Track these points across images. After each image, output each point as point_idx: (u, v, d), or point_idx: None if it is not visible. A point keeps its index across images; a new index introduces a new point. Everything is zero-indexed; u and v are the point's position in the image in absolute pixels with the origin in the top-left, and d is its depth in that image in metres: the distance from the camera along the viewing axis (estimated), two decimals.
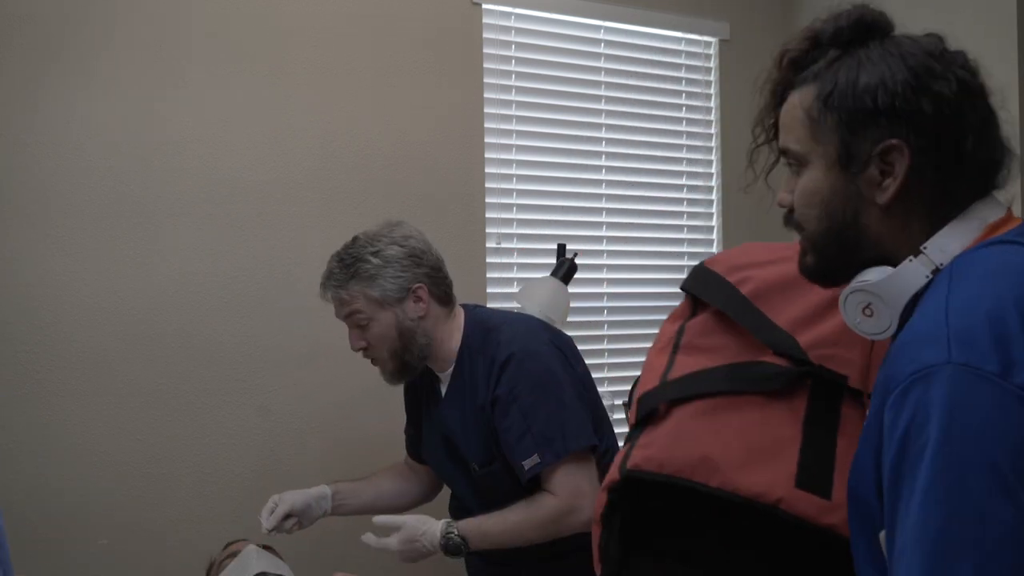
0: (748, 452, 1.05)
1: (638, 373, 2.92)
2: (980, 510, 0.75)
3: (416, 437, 2.07)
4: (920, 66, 0.93)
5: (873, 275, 0.95)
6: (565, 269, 2.44)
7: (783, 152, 1.05)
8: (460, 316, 1.92)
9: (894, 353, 0.87)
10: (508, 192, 2.83)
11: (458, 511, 1.97)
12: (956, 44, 1.03)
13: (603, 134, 3.01)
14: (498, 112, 2.80)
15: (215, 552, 1.94)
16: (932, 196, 0.93)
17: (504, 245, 2.82)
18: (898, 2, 3.31)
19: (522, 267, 2.85)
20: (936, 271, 0.92)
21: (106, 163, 2.27)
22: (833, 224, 0.98)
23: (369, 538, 1.81)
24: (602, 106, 3.00)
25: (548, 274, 2.46)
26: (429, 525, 1.79)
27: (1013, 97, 2.52)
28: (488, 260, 2.77)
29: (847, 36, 0.98)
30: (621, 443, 2.09)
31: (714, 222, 3.22)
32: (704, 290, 1.26)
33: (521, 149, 2.86)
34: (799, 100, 0.99)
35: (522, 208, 2.86)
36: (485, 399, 1.81)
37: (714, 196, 3.21)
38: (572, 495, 1.75)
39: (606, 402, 2.18)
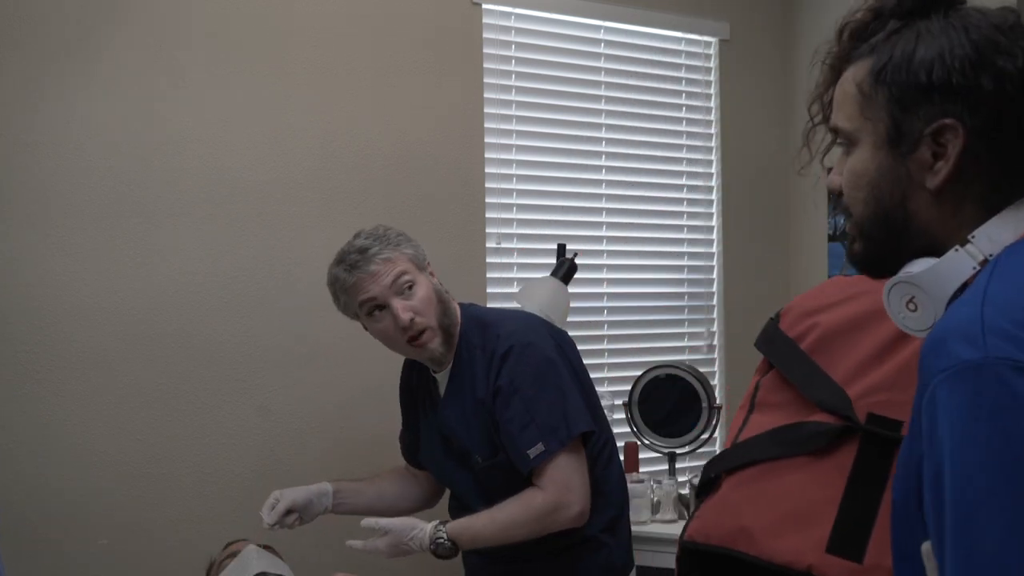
0: (783, 519, 1.07)
1: (638, 373, 2.95)
2: None
3: (413, 441, 2.07)
4: (984, 40, 0.85)
5: (919, 266, 0.89)
6: (565, 269, 2.44)
7: (834, 131, 0.97)
8: (457, 313, 1.92)
9: (925, 350, 0.80)
10: (508, 192, 2.83)
11: (459, 511, 1.97)
12: None
13: (603, 134, 3.01)
14: (498, 112, 2.80)
15: (215, 552, 1.94)
16: (987, 181, 0.86)
17: (504, 245, 2.82)
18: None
19: (522, 267, 2.85)
20: (985, 262, 0.84)
21: (106, 163, 2.27)
22: (880, 208, 0.91)
23: (355, 543, 1.81)
24: (602, 106, 3.00)
25: (548, 274, 2.46)
26: (417, 529, 1.79)
27: None
28: (488, 260, 2.77)
29: (909, 6, 0.90)
30: (619, 442, 2.11)
31: (714, 222, 3.22)
32: (768, 348, 1.24)
33: (521, 149, 2.86)
34: (852, 75, 0.92)
35: (522, 208, 2.86)
36: (486, 392, 1.82)
37: (714, 196, 3.21)
38: (561, 491, 1.76)
39: (605, 402, 2.19)
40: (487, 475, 1.86)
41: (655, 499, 2.54)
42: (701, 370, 2.74)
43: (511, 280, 2.82)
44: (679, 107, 3.16)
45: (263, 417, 2.43)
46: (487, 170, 2.77)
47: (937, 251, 0.88)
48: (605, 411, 2.04)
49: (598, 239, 3.00)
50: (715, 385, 3.17)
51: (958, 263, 0.85)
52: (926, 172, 0.87)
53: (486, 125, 2.77)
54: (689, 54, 3.18)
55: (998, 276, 0.80)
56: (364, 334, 2.64)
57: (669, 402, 2.66)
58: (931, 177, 0.87)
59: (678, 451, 2.68)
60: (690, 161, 3.18)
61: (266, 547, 1.86)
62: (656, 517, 2.53)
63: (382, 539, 1.79)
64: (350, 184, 2.55)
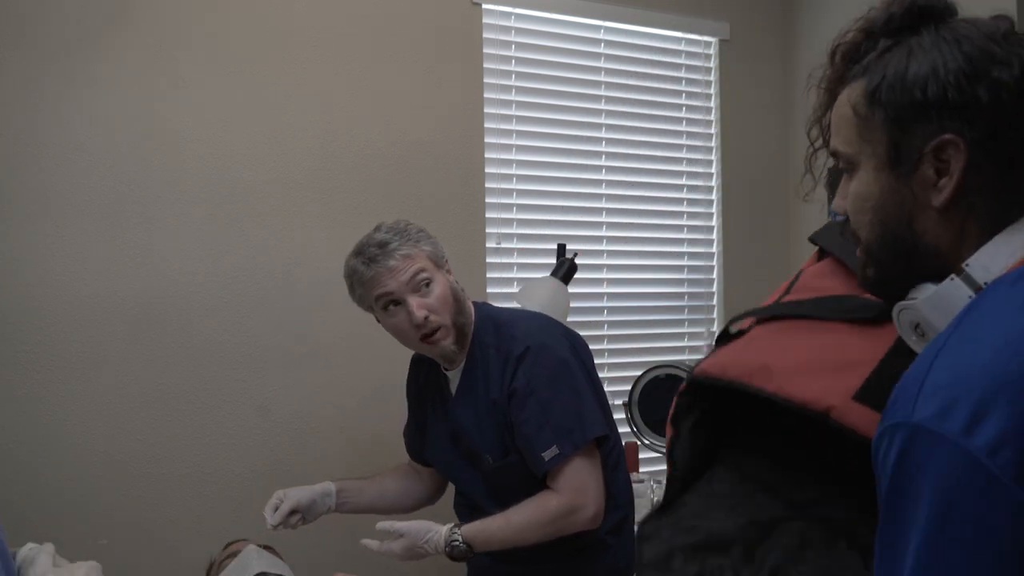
0: (810, 363, 0.96)
1: (638, 373, 2.94)
2: None
3: (419, 438, 2.07)
4: (976, 51, 0.84)
5: (925, 291, 0.87)
6: (565, 269, 2.45)
7: (834, 155, 0.95)
8: (472, 312, 1.92)
9: (894, 391, 0.79)
10: (508, 192, 2.83)
11: (465, 509, 1.97)
12: None
13: (603, 134, 3.01)
14: (498, 112, 2.80)
15: (215, 552, 1.94)
16: (991, 196, 0.84)
17: (504, 245, 2.82)
18: None
19: (522, 267, 2.85)
20: (980, 290, 0.83)
21: (107, 163, 2.27)
22: (887, 231, 0.89)
23: (371, 543, 1.81)
24: (602, 106, 3.00)
25: (548, 274, 2.46)
26: (433, 532, 1.78)
27: None
28: (488, 260, 2.77)
29: (898, 23, 0.89)
30: (623, 440, 2.10)
31: (714, 222, 3.22)
32: (825, 237, 1.16)
33: (521, 149, 2.86)
34: (847, 97, 0.91)
35: (522, 208, 2.86)
36: (500, 393, 1.82)
37: (714, 196, 3.21)
38: (576, 493, 1.77)
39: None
40: (497, 476, 1.86)
41: (655, 499, 2.54)
42: None
43: (511, 280, 2.82)
44: (679, 107, 3.16)
45: (263, 417, 2.43)
46: (487, 170, 2.77)
47: (947, 272, 0.87)
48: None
49: (598, 239, 3.00)
50: None
51: (954, 292, 0.84)
52: (931, 190, 0.85)
53: (486, 125, 2.77)
54: (689, 54, 3.18)
55: (959, 333, 0.78)
56: (364, 334, 2.64)
57: (669, 402, 2.65)
58: (936, 195, 0.85)
59: None
60: (690, 161, 3.18)
61: (266, 547, 1.86)
62: None
63: (397, 542, 1.78)
64: (350, 184, 2.55)
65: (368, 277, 1.80)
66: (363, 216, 2.52)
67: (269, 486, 2.00)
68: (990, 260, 0.83)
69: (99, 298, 2.26)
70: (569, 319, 2.36)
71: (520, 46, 2.86)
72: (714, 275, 3.22)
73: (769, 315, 1.07)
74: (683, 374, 2.65)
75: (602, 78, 3.01)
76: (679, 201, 3.17)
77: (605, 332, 3.01)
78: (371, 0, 2.59)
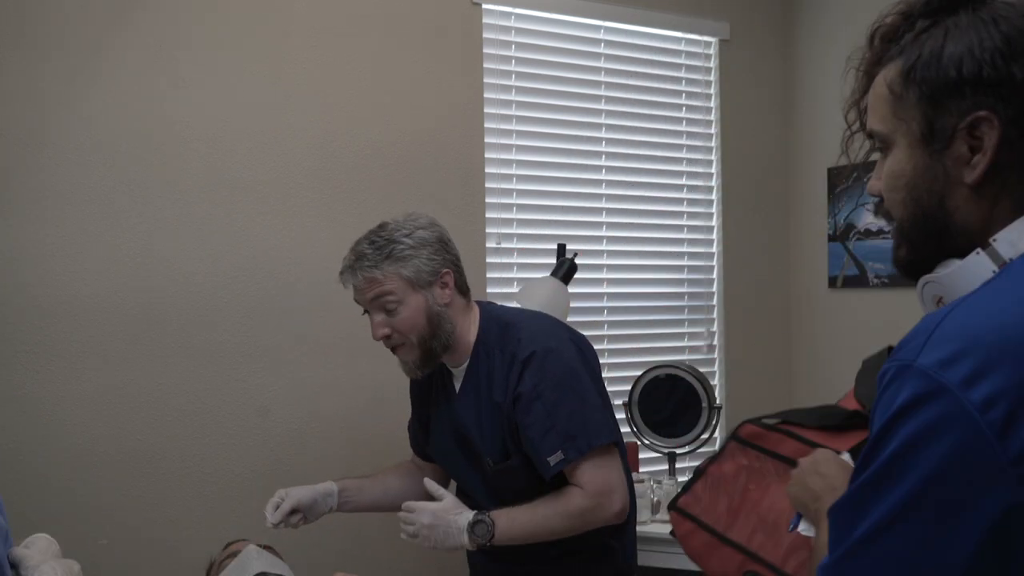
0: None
1: (638, 373, 2.95)
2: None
3: (423, 433, 2.07)
4: (1014, 30, 0.84)
5: (951, 266, 0.89)
6: (565, 269, 2.45)
7: (870, 135, 0.97)
8: (476, 311, 1.92)
9: (910, 332, 0.82)
10: (508, 192, 2.83)
11: (466, 504, 1.97)
12: None
13: (603, 134, 3.01)
14: (498, 112, 2.80)
15: (215, 552, 1.94)
16: (1023, 174, 0.85)
17: (504, 245, 2.82)
18: (898, 4, 3.27)
19: (522, 267, 2.85)
20: (1004, 266, 0.84)
21: (107, 163, 2.27)
22: (919, 208, 0.90)
23: (430, 484, 1.83)
24: (602, 106, 3.01)
25: (548, 274, 2.46)
26: (463, 508, 1.80)
27: None
28: (488, 260, 2.77)
29: (936, 4, 0.90)
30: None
31: (714, 222, 3.22)
32: (862, 381, 1.33)
33: (521, 149, 2.86)
34: (884, 76, 0.92)
35: (522, 208, 2.86)
36: (504, 396, 1.81)
37: (714, 196, 3.21)
38: (600, 489, 1.77)
39: None
40: (497, 479, 1.86)
41: (655, 499, 2.54)
42: (701, 370, 2.74)
43: (511, 280, 2.82)
44: (679, 107, 3.16)
45: (263, 417, 2.43)
46: (487, 170, 2.77)
47: (974, 250, 0.88)
48: None
49: (598, 239, 3.00)
50: (715, 385, 3.17)
51: (978, 266, 0.85)
52: (963, 167, 0.86)
53: (486, 125, 2.77)
54: (689, 54, 3.18)
55: (977, 293, 0.82)
56: (364, 334, 2.64)
57: (669, 402, 2.66)
58: (969, 172, 0.86)
59: (678, 451, 2.68)
60: (690, 161, 3.18)
61: (266, 547, 1.85)
62: (656, 517, 2.53)
63: (426, 511, 1.78)
64: (350, 184, 2.55)
65: (343, 280, 1.86)
66: (363, 216, 2.52)
67: (269, 486, 1.99)
68: (1018, 236, 0.84)
69: (99, 298, 2.26)
70: (569, 319, 2.36)
71: (520, 46, 2.86)
72: (714, 275, 3.22)
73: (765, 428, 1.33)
74: (683, 374, 2.66)
75: (602, 78, 3.01)
76: (679, 201, 3.17)
77: (605, 332, 3.01)
78: (371, 0, 2.59)
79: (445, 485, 2.14)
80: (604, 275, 3.02)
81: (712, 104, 3.20)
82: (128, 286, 2.29)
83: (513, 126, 2.84)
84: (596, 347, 2.94)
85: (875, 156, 0.99)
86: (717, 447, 3.09)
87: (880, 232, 3.00)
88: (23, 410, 2.18)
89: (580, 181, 2.98)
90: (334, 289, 2.51)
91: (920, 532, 0.74)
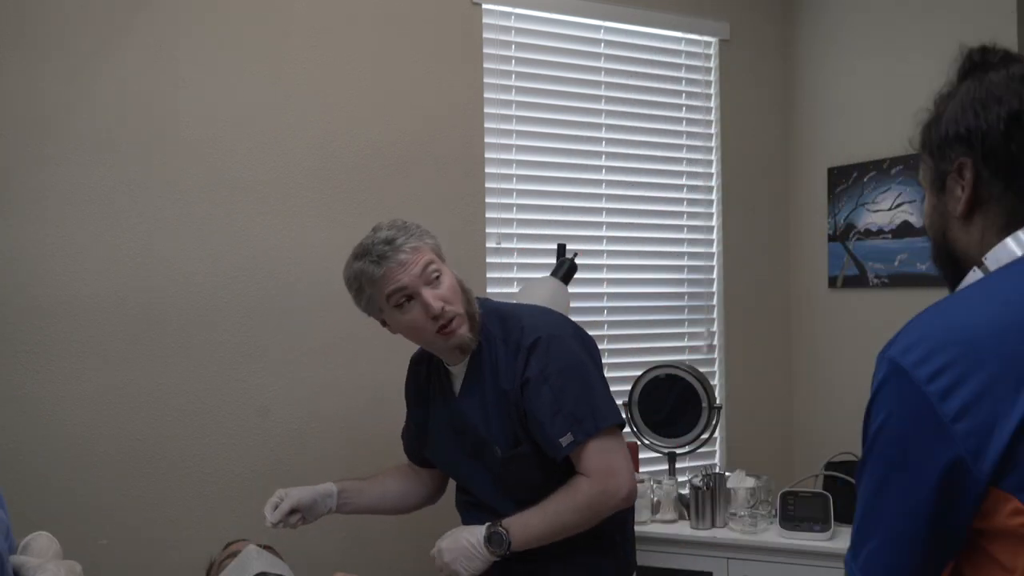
0: None
1: (638, 373, 2.95)
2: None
3: (419, 437, 2.06)
4: (986, 92, 1.03)
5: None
6: (565, 269, 2.45)
7: None
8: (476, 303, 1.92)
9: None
10: (508, 192, 2.83)
11: (468, 506, 1.97)
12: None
13: (603, 134, 3.01)
14: (498, 112, 2.80)
15: (215, 552, 1.94)
16: (1003, 211, 1.02)
17: (504, 245, 2.82)
18: (901, 5, 3.28)
19: (522, 267, 2.85)
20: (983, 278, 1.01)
21: (106, 163, 2.27)
22: (934, 240, 1.10)
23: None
24: (602, 106, 3.01)
25: (548, 274, 2.46)
26: (473, 526, 1.82)
27: None
28: (488, 260, 2.77)
29: (956, 77, 1.09)
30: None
31: (714, 222, 3.22)
32: None
33: (521, 149, 2.86)
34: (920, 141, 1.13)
35: (522, 208, 2.86)
36: (511, 383, 1.82)
37: (714, 196, 3.21)
38: (606, 475, 1.78)
39: None
40: (506, 467, 1.86)
41: (655, 499, 2.54)
42: (701, 370, 2.74)
43: (511, 280, 2.82)
44: (679, 107, 3.16)
45: (263, 417, 2.43)
46: (487, 170, 2.77)
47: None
48: None
49: (598, 239, 3.00)
50: (715, 385, 3.17)
51: (972, 279, 1.03)
52: (955, 203, 1.05)
53: (486, 125, 2.77)
54: (689, 54, 3.18)
55: (953, 294, 1.02)
56: (364, 334, 2.63)
57: (669, 402, 2.66)
58: (956, 204, 1.04)
59: (678, 451, 2.68)
60: (690, 161, 3.19)
61: (266, 547, 1.86)
62: (656, 517, 2.53)
63: (442, 551, 1.81)
64: (350, 184, 2.55)
65: (379, 276, 1.77)
66: (363, 216, 2.53)
67: (269, 486, 2.00)
68: (1002, 254, 1.00)
69: (99, 298, 2.26)
70: (567, 316, 2.36)
71: (520, 46, 2.86)
72: (714, 275, 3.22)
73: None
74: (683, 374, 2.66)
75: (602, 78, 3.01)
76: (679, 201, 3.17)
77: (605, 332, 3.01)
78: (371, 0, 2.59)
79: (442, 488, 2.15)
80: (604, 275, 3.02)
81: (712, 104, 3.20)
82: (128, 286, 2.29)
83: (513, 126, 2.84)
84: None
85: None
86: (717, 447, 3.10)
87: (880, 232, 3.00)
88: (23, 410, 2.18)
89: (580, 181, 2.98)
90: (334, 289, 2.52)
91: (891, 485, 0.94)
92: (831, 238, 3.18)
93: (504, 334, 1.86)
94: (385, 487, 2.08)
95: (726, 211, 3.20)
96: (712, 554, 2.38)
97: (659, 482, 2.59)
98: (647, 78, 3.09)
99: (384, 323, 1.88)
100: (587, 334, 1.96)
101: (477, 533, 1.79)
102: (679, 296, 3.17)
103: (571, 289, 2.48)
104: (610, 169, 3.02)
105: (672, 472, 2.68)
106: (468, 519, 1.97)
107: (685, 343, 3.18)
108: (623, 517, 1.93)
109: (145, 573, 2.28)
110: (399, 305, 1.79)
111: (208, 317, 2.37)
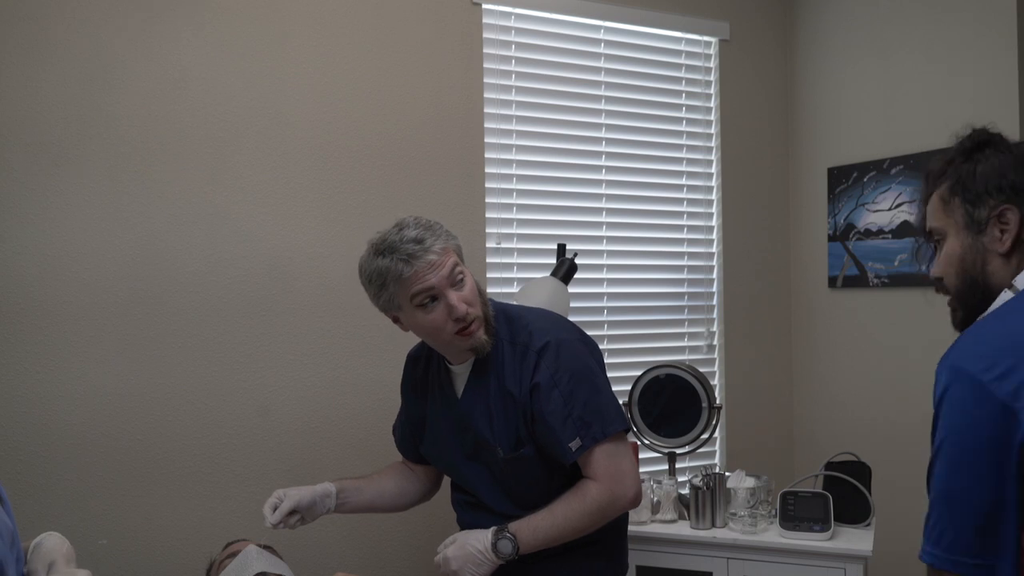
0: None
1: (638, 373, 2.95)
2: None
3: (414, 435, 2.06)
4: (1020, 155, 1.36)
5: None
6: (565, 269, 2.45)
7: (930, 233, 1.43)
8: None
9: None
10: (508, 192, 2.83)
11: (465, 505, 1.97)
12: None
13: (603, 134, 3.01)
14: (498, 112, 2.80)
15: (215, 552, 1.94)
16: None
17: (504, 245, 2.82)
18: (901, 5, 3.27)
19: (522, 267, 2.85)
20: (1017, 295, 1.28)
21: (106, 163, 2.27)
22: (967, 275, 1.36)
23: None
24: (602, 106, 3.01)
25: (548, 274, 2.46)
26: (479, 531, 1.81)
27: (1013, 97, 2.52)
28: (488, 260, 2.77)
29: (968, 146, 1.38)
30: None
31: (714, 222, 3.22)
32: None
33: (521, 149, 2.86)
34: (936, 194, 1.41)
35: (522, 208, 2.86)
36: (518, 386, 1.82)
37: (714, 196, 3.21)
38: (613, 479, 1.79)
39: None
40: (507, 468, 1.86)
41: (655, 499, 2.54)
42: (701, 370, 2.74)
43: (511, 280, 2.82)
44: (679, 107, 3.17)
45: (263, 417, 2.43)
46: (487, 170, 2.77)
47: None
48: None
49: (598, 239, 3.00)
50: (715, 385, 3.17)
51: (1004, 299, 1.30)
52: (996, 242, 1.34)
53: (486, 125, 2.77)
54: (689, 54, 3.18)
55: (988, 315, 1.32)
56: (364, 334, 2.65)
57: (669, 402, 2.65)
58: (1000, 244, 1.33)
59: (678, 451, 2.68)
60: (690, 161, 3.19)
61: (266, 547, 1.86)
62: (656, 517, 2.53)
63: (448, 559, 1.81)
64: (350, 184, 2.55)
65: (408, 275, 1.75)
66: (362, 216, 2.53)
67: (269, 486, 2.00)
68: None
69: (99, 298, 2.26)
70: (569, 319, 2.36)
71: (520, 46, 2.86)
72: (714, 275, 3.22)
73: None
74: (683, 374, 2.66)
75: (602, 78, 3.01)
76: (679, 201, 3.17)
77: (605, 332, 3.01)
78: (371, 0, 2.59)
79: (437, 485, 2.15)
80: (604, 275, 3.02)
81: (712, 104, 3.21)
82: (128, 286, 2.29)
83: (513, 126, 2.85)
84: None
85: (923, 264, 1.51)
86: (717, 447, 3.09)
87: (880, 232, 3.00)
88: (23, 410, 2.18)
89: (580, 181, 2.98)
90: (334, 289, 2.52)
91: (968, 470, 1.18)
92: (831, 238, 3.18)
93: (511, 336, 1.86)
94: (382, 485, 2.08)
95: (726, 211, 3.20)
96: (712, 554, 2.38)
97: (659, 482, 2.59)
98: (647, 78, 3.09)
99: (396, 320, 1.86)
100: (590, 337, 1.96)
101: (484, 539, 1.79)
102: (679, 296, 3.17)
103: (571, 289, 2.48)
104: (610, 169, 3.02)
105: (672, 472, 2.68)
106: (464, 517, 1.97)
107: (685, 343, 3.18)
108: (619, 518, 1.94)
109: (145, 573, 2.28)
110: (422, 305, 1.77)
111: (208, 317, 2.38)
